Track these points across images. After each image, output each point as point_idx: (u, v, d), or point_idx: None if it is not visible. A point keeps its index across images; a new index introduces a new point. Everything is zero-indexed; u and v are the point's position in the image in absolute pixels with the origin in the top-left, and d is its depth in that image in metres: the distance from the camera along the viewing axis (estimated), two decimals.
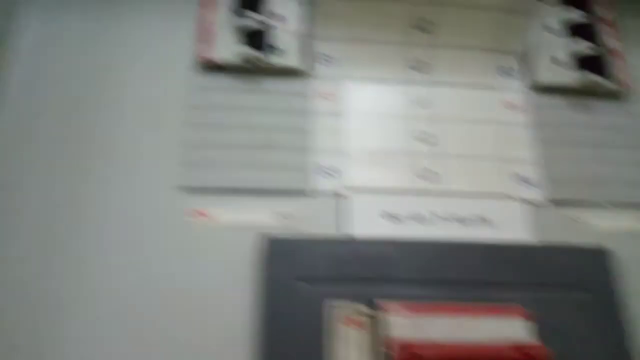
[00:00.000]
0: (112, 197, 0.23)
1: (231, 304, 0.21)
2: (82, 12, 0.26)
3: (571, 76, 0.27)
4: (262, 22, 0.25)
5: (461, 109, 0.27)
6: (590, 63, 0.27)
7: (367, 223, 0.23)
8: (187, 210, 0.23)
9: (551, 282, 0.22)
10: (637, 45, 0.29)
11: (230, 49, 0.25)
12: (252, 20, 0.25)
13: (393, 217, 0.23)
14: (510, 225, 0.24)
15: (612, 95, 0.28)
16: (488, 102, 0.27)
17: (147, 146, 0.24)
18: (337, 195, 0.24)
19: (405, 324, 0.20)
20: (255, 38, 0.25)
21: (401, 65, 0.27)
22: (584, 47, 0.27)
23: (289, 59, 0.26)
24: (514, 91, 0.27)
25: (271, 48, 0.25)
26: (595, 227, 0.24)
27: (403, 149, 0.25)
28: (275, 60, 0.25)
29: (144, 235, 0.22)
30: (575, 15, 0.28)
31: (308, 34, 0.26)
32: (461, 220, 0.24)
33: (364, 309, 0.20)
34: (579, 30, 0.28)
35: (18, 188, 0.23)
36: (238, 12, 0.25)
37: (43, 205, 0.22)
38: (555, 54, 0.28)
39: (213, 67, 0.25)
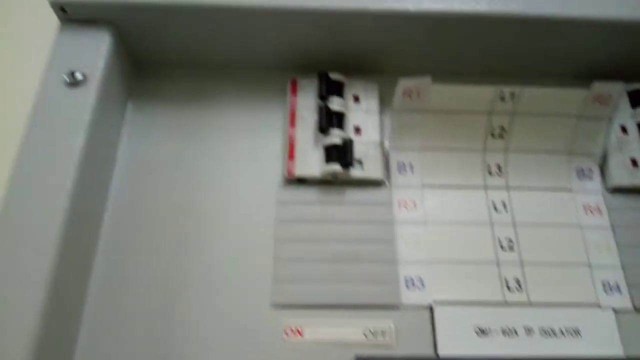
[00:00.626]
0: (207, 314, 0.24)
1: None
2: (175, 134, 0.28)
3: None
4: (344, 138, 0.27)
5: (541, 213, 0.27)
6: None
7: (457, 338, 0.24)
8: (280, 327, 0.24)
9: None
10: None
11: (315, 164, 0.27)
12: (334, 136, 0.27)
13: (482, 332, 0.24)
14: (601, 336, 0.24)
15: None
16: (568, 206, 0.27)
17: (240, 262, 0.25)
18: (424, 308, 0.24)
19: None
20: (338, 153, 0.27)
21: (479, 171, 0.28)
22: None
23: (370, 170, 0.27)
24: (593, 194, 0.27)
25: (353, 161, 0.27)
26: None
27: (486, 258, 0.26)
28: (357, 173, 0.27)
29: (240, 353, 0.23)
30: None
31: (387, 144, 0.28)
32: (551, 333, 0.24)
33: None
34: None
35: (118, 297, 0.24)
36: (322, 130, 0.27)
37: (141, 317, 0.24)
38: (633, 155, 0.28)
39: (299, 182, 0.27)
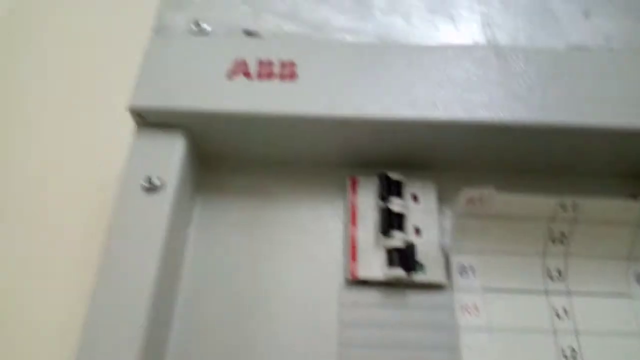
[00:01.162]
0: None
1: None
2: (239, 231, 0.29)
3: None
4: (406, 241, 0.28)
5: (602, 320, 0.27)
6: None
7: None
8: None
9: None
10: None
11: (378, 267, 0.27)
12: (397, 239, 0.28)
13: None
14: None
15: None
16: (627, 312, 0.27)
17: None
18: None
19: None
20: (401, 256, 0.27)
21: (539, 275, 0.28)
22: None
23: (432, 274, 0.27)
24: None
25: (415, 264, 0.27)
26: None
27: None
28: (420, 277, 0.27)
29: None
30: None
31: (448, 247, 0.28)
32: None
33: None
34: None
35: None
36: (384, 232, 0.28)
37: None
38: None
39: (361, 283, 0.27)
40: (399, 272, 0.27)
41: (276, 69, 0.29)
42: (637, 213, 0.27)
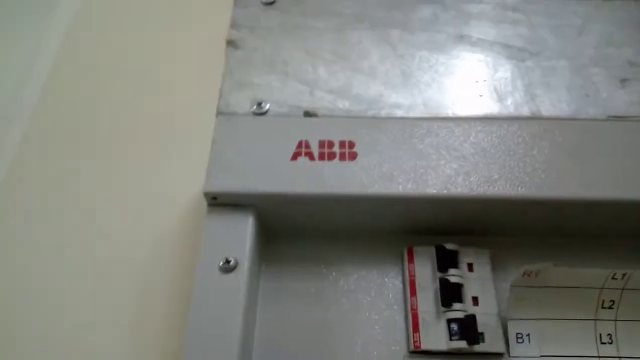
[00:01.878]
0: None
1: None
2: (302, 300, 0.31)
3: None
4: (466, 312, 0.29)
5: None
6: None
7: None
8: None
9: None
10: None
11: (440, 338, 0.29)
12: (457, 311, 0.29)
13: None
14: None
15: None
16: None
17: None
18: None
19: None
20: (462, 327, 0.29)
21: (592, 341, 0.29)
22: None
23: (492, 344, 0.29)
24: None
25: (475, 334, 0.29)
26: None
27: None
28: (481, 347, 0.29)
29: None
30: None
31: (505, 315, 0.30)
32: None
33: None
34: None
35: None
36: (445, 303, 0.29)
37: None
38: None
39: (423, 354, 0.29)
40: (461, 344, 0.28)
41: (336, 149, 0.31)
42: None
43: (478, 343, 0.28)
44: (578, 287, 0.29)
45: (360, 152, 0.31)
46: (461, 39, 0.37)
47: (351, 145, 0.32)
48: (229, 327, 0.26)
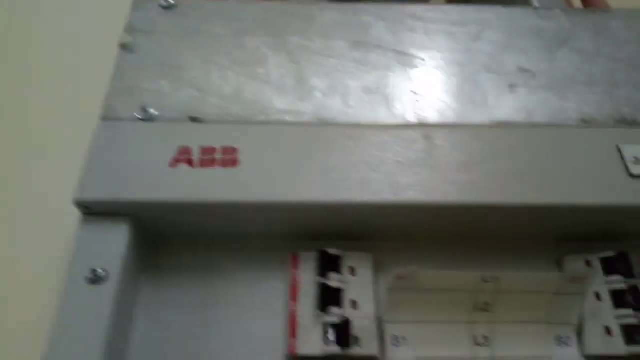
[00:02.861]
0: None
1: None
2: (182, 309, 0.30)
3: (621, 346, 0.29)
4: (342, 317, 0.29)
5: None
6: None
7: None
8: None
9: None
10: None
11: (316, 343, 0.29)
12: (333, 315, 0.29)
13: None
14: None
15: None
16: None
17: None
18: None
19: None
20: (337, 332, 0.29)
21: (467, 343, 0.30)
22: (631, 316, 0.30)
23: (367, 347, 0.29)
24: None
25: (349, 339, 0.29)
26: None
27: None
28: (355, 351, 0.29)
29: None
30: (621, 283, 0.31)
31: (381, 319, 0.30)
32: None
33: None
34: (626, 298, 0.31)
35: None
36: (321, 308, 0.30)
37: None
38: (607, 323, 0.30)
39: (300, 359, 0.29)
40: (334, 348, 0.29)
41: (218, 155, 0.31)
42: (552, 283, 0.30)
43: (350, 347, 0.29)
44: (453, 290, 0.30)
45: (242, 159, 0.31)
46: (357, 45, 0.38)
47: (234, 151, 0.31)
48: (93, 339, 0.26)
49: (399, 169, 0.31)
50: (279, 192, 0.30)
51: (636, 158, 0.32)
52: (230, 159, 0.31)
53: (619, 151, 0.32)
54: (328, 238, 0.32)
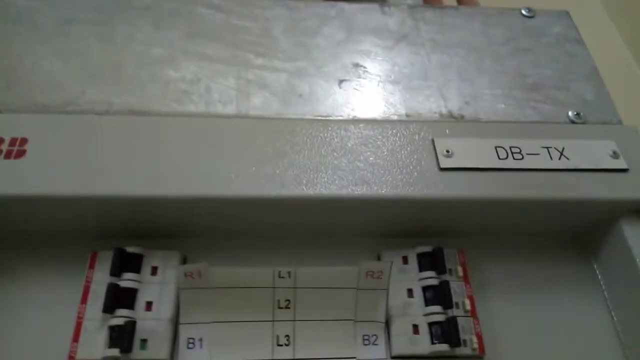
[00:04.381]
0: None
1: None
2: None
3: (426, 346, 0.29)
4: (127, 319, 0.27)
5: None
6: (446, 329, 0.29)
7: None
8: None
9: None
10: (492, 308, 0.31)
11: (95, 348, 0.27)
12: (119, 317, 0.27)
13: None
14: None
15: None
16: None
17: None
18: None
19: None
20: (121, 335, 0.27)
21: (268, 343, 0.28)
22: (440, 313, 0.29)
23: (155, 351, 0.27)
24: None
25: (134, 344, 0.27)
26: None
27: None
28: (140, 355, 0.27)
29: None
30: (434, 279, 0.30)
31: (174, 320, 0.28)
32: None
33: None
34: (437, 295, 0.30)
35: None
36: (107, 309, 0.28)
37: None
38: (415, 321, 0.29)
39: None
40: (114, 352, 0.27)
41: (4, 147, 0.29)
42: (347, 278, 0.29)
43: (133, 349, 0.27)
44: (252, 288, 0.29)
45: (31, 150, 0.29)
46: (190, 36, 0.37)
47: (24, 142, 0.29)
48: None
49: (204, 162, 0.30)
50: (67, 185, 0.28)
51: (448, 151, 0.32)
52: (17, 150, 0.29)
53: (433, 145, 0.32)
54: (136, 236, 0.31)
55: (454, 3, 0.53)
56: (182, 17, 0.37)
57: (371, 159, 0.31)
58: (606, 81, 0.40)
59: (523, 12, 0.42)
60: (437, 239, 0.32)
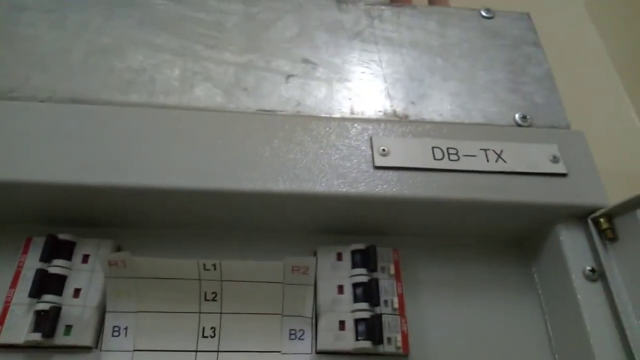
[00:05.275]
0: None
1: None
2: None
3: (350, 342, 0.29)
4: (52, 304, 0.28)
5: None
6: (370, 327, 0.29)
7: None
8: None
9: None
10: (423, 307, 0.32)
11: (20, 332, 0.27)
12: (44, 303, 0.28)
13: None
14: None
15: None
16: None
17: None
18: None
19: None
20: (45, 320, 0.27)
21: (193, 334, 0.29)
22: (367, 310, 0.30)
23: (78, 337, 0.28)
24: (301, 356, 0.29)
25: (57, 328, 0.27)
26: None
27: None
28: (63, 340, 0.27)
29: None
30: (364, 277, 0.31)
31: (101, 308, 0.29)
32: None
33: None
34: (365, 292, 0.30)
35: None
36: (33, 295, 0.28)
37: None
38: (342, 317, 0.30)
39: (8, 347, 0.27)
40: (37, 337, 0.27)
41: None
42: (273, 272, 0.29)
43: (53, 336, 0.27)
44: (180, 279, 0.29)
45: None
46: (141, 25, 0.37)
47: None
48: None
49: (140, 153, 0.30)
50: (3, 171, 0.28)
51: (384, 150, 0.32)
52: None
53: (371, 143, 0.32)
54: (73, 224, 0.31)
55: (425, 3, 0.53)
56: (136, 7, 0.38)
57: (309, 155, 0.31)
58: (581, 84, 0.39)
59: (482, 13, 0.42)
60: (377, 238, 0.32)
